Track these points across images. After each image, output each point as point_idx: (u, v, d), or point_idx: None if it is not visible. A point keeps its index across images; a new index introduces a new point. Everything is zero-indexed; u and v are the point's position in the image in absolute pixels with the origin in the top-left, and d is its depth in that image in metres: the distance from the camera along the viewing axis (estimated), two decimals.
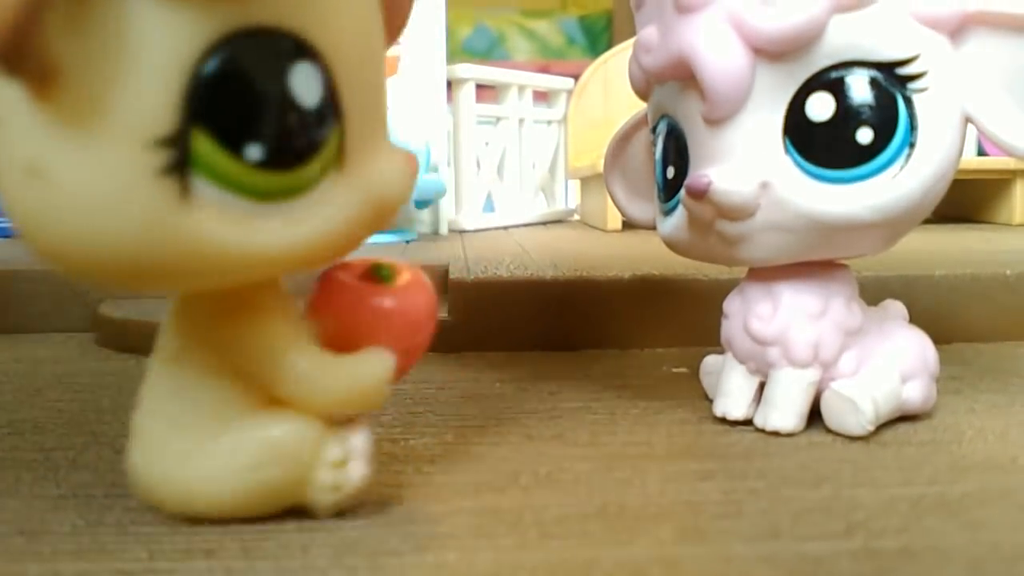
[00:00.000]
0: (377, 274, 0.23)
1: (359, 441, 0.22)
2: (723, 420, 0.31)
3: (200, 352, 0.21)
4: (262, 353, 0.21)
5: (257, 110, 0.18)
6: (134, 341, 0.44)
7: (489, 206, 0.84)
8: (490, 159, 0.81)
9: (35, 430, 0.31)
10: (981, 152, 0.97)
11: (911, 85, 0.27)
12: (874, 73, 0.27)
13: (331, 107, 0.19)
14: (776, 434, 0.29)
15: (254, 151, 0.18)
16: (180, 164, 0.17)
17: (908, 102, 0.27)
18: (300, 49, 0.18)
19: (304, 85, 0.18)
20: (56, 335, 0.48)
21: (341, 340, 0.22)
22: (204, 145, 0.17)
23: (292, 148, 0.19)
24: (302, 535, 0.21)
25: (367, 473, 0.22)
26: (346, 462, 0.22)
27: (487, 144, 0.82)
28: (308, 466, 0.22)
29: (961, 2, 0.27)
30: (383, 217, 0.21)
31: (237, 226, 0.18)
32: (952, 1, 0.27)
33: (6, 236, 0.75)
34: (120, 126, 0.17)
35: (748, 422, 0.30)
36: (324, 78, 0.19)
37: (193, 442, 0.21)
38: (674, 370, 0.39)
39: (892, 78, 0.27)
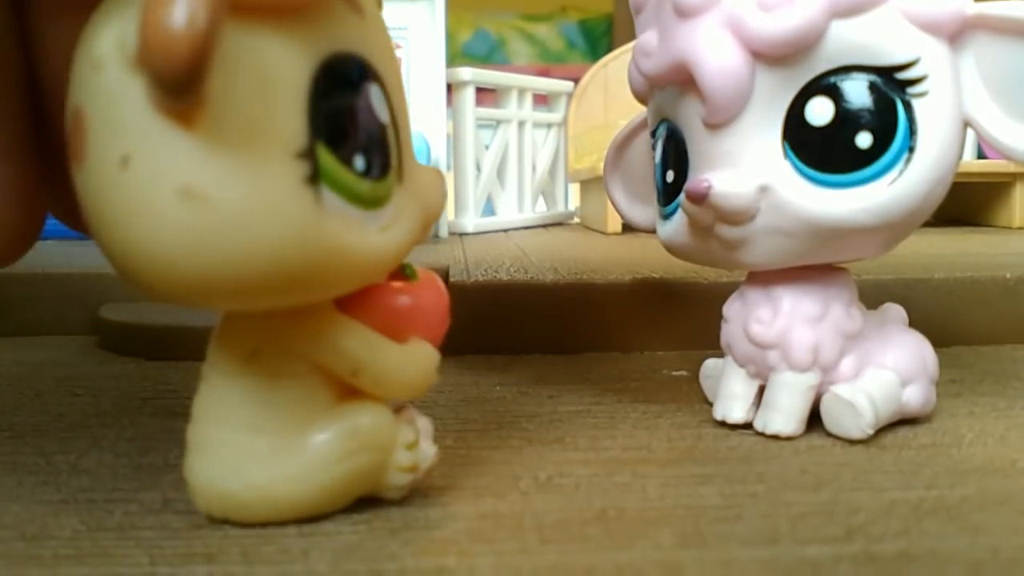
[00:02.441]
0: (404, 273, 0.24)
1: (424, 422, 0.24)
2: (723, 424, 0.31)
3: (272, 354, 0.22)
4: (339, 346, 0.22)
5: (356, 124, 0.20)
6: (136, 344, 0.44)
7: (489, 209, 0.84)
8: (490, 162, 0.81)
9: (36, 434, 0.31)
10: (981, 155, 0.97)
11: (910, 89, 0.27)
12: (873, 77, 0.27)
13: (394, 123, 0.21)
14: (776, 438, 0.29)
15: (359, 161, 0.20)
16: (314, 174, 0.19)
17: (907, 106, 0.27)
18: (371, 71, 0.21)
19: (378, 103, 0.21)
20: (57, 338, 0.48)
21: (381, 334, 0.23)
22: (326, 157, 0.19)
23: (381, 159, 0.21)
24: (302, 539, 0.22)
25: (437, 450, 0.24)
26: (418, 442, 0.23)
27: (487, 147, 0.82)
28: (389, 450, 0.23)
29: (960, 6, 0.27)
30: (428, 227, 0.23)
31: (356, 233, 0.20)
32: (951, 5, 0.27)
33: None
34: (268, 142, 0.18)
35: (748, 426, 0.30)
36: (386, 98, 0.21)
37: (277, 445, 0.22)
38: (674, 373, 0.39)
39: (891, 82, 0.27)
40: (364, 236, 0.20)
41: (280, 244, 0.18)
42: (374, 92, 0.21)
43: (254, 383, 0.22)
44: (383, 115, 0.21)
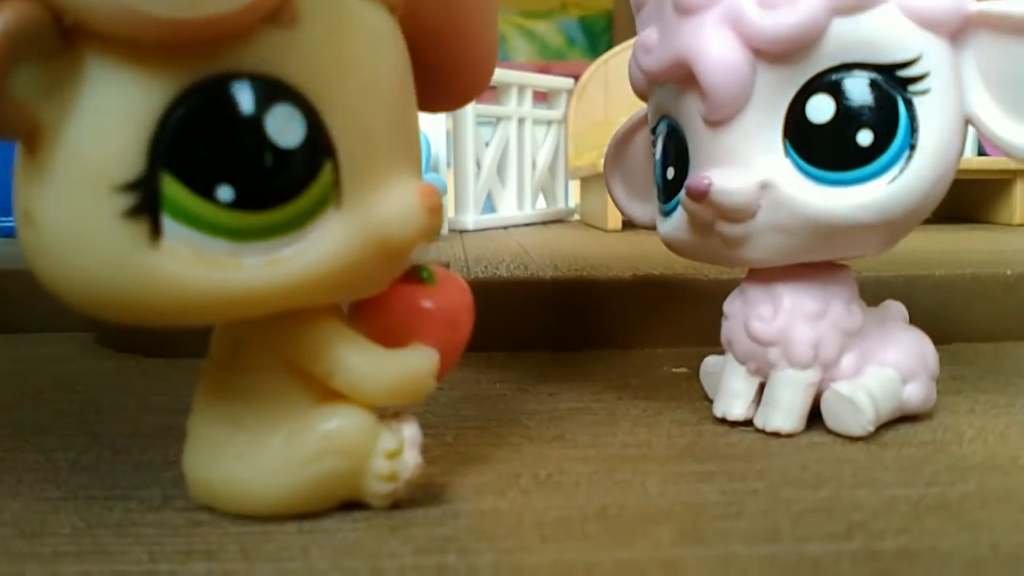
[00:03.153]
0: (417, 275, 0.24)
1: (410, 431, 0.23)
2: (723, 421, 0.31)
3: (256, 352, 0.22)
4: (317, 347, 0.22)
5: (225, 153, 0.18)
6: (134, 341, 0.44)
7: (489, 206, 0.84)
8: (490, 159, 0.81)
9: (36, 431, 0.31)
10: (981, 152, 0.97)
11: (911, 87, 0.27)
12: (874, 75, 0.27)
13: (319, 147, 0.20)
14: (776, 435, 0.29)
15: (225, 192, 0.18)
16: (148, 206, 0.18)
17: (908, 104, 0.27)
18: (278, 92, 0.19)
19: (282, 126, 0.19)
20: (56, 335, 0.48)
21: (385, 339, 0.23)
22: (172, 188, 0.18)
23: (269, 188, 0.19)
24: (302, 537, 0.22)
25: (420, 461, 0.23)
26: (400, 452, 0.23)
27: (487, 144, 0.82)
28: (365, 456, 0.22)
29: (962, 4, 0.27)
30: (391, 254, 0.21)
31: (213, 266, 0.19)
32: (953, 3, 0.27)
33: (7, 235, 0.75)
34: (86, 173, 0.18)
35: (748, 423, 0.30)
36: (307, 119, 0.19)
37: (252, 439, 0.22)
38: (674, 371, 0.39)
39: (892, 80, 0.27)
40: (230, 270, 0.19)
41: (96, 274, 0.18)
42: (276, 114, 0.19)
43: (238, 377, 0.22)
44: (287, 140, 0.19)
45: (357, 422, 0.22)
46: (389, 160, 0.21)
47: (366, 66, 0.21)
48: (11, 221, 0.75)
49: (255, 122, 0.18)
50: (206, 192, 0.18)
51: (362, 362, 0.22)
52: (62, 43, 0.17)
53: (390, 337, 0.23)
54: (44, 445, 0.29)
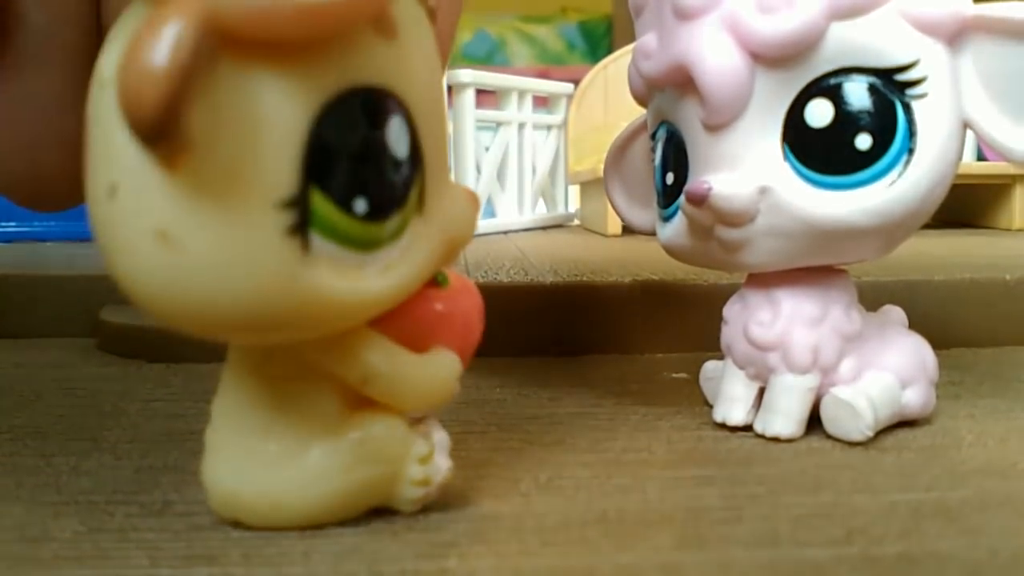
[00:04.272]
0: (434, 280, 0.24)
1: (440, 435, 0.23)
2: (723, 426, 0.31)
3: (286, 360, 0.22)
4: (350, 354, 0.21)
5: (362, 166, 0.19)
6: (136, 346, 0.44)
7: (489, 211, 0.84)
8: (490, 164, 0.82)
9: (36, 436, 0.31)
10: (981, 157, 0.97)
11: (910, 91, 0.27)
12: (872, 79, 0.27)
13: (417, 155, 0.20)
14: (776, 440, 0.29)
15: (360, 205, 0.19)
16: (302, 223, 0.18)
17: (907, 108, 0.27)
18: (392, 104, 0.19)
19: (397, 137, 0.19)
20: (57, 340, 0.48)
21: (406, 344, 0.23)
22: (320, 203, 0.18)
23: (389, 199, 0.19)
24: (303, 541, 0.22)
25: (451, 465, 0.23)
26: (432, 456, 0.23)
27: (487, 149, 0.82)
28: (400, 463, 0.22)
29: (959, 7, 0.27)
30: (453, 253, 0.22)
31: (347, 277, 0.19)
32: (950, 6, 0.27)
33: (7, 241, 0.75)
34: (249, 191, 0.17)
35: (748, 428, 0.30)
36: (410, 128, 0.20)
37: (284, 450, 0.22)
38: (674, 375, 0.39)
39: (891, 84, 0.27)
40: (358, 280, 0.19)
41: (254, 294, 0.18)
42: (393, 127, 0.19)
43: (266, 386, 0.22)
44: (400, 150, 0.19)
45: (391, 429, 0.22)
46: (446, 164, 0.22)
47: (433, 72, 0.21)
48: (11, 226, 0.76)
49: (382, 134, 0.19)
50: (348, 205, 0.18)
51: (395, 368, 0.22)
52: (213, 54, 0.16)
53: (409, 342, 0.23)
54: (44, 450, 0.29)
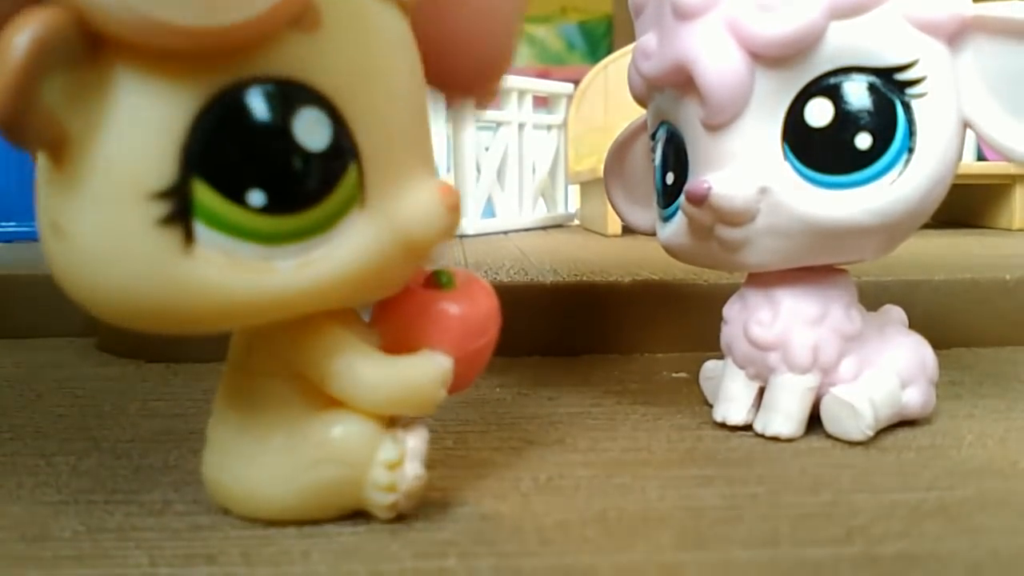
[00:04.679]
0: (437, 280, 0.24)
1: (414, 442, 0.23)
2: (723, 425, 0.31)
3: (263, 356, 0.22)
4: (315, 352, 0.21)
5: (256, 158, 0.18)
6: (134, 346, 0.44)
7: (489, 211, 0.84)
8: (490, 164, 0.82)
9: (36, 435, 0.31)
10: (981, 157, 0.97)
11: (909, 90, 0.27)
12: (872, 79, 0.27)
13: (344, 149, 0.20)
14: (776, 439, 0.29)
15: (256, 197, 0.18)
16: (181, 214, 0.18)
17: (907, 107, 0.27)
18: (304, 96, 0.19)
19: (310, 130, 0.19)
20: (56, 340, 0.49)
21: (405, 345, 0.23)
22: (204, 194, 0.18)
23: (299, 191, 0.19)
24: (303, 541, 0.22)
25: (421, 474, 0.22)
26: (400, 462, 0.22)
27: (487, 149, 0.82)
28: (363, 466, 0.22)
29: (959, 7, 0.27)
30: (414, 252, 0.21)
31: (246, 270, 0.19)
32: (949, 6, 0.27)
33: (6, 240, 0.75)
34: (118, 182, 0.18)
35: (748, 427, 0.30)
36: (333, 121, 0.19)
37: (257, 444, 0.22)
38: (674, 375, 0.39)
39: (890, 83, 0.27)
40: (263, 274, 0.19)
41: (131, 283, 0.18)
42: (304, 119, 0.19)
43: (246, 381, 0.22)
44: (314, 143, 0.19)
45: (356, 430, 0.22)
46: (408, 160, 0.21)
47: (385, 68, 0.21)
48: (10, 226, 0.76)
49: (283, 126, 0.19)
50: (238, 197, 0.18)
51: (358, 369, 0.21)
52: (89, 52, 0.17)
53: (407, 343, 0.23)
54: (44, 449, 0.29)
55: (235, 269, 0.19)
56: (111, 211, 0.18)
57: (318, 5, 0.19)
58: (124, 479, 0.26)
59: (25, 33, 0.16)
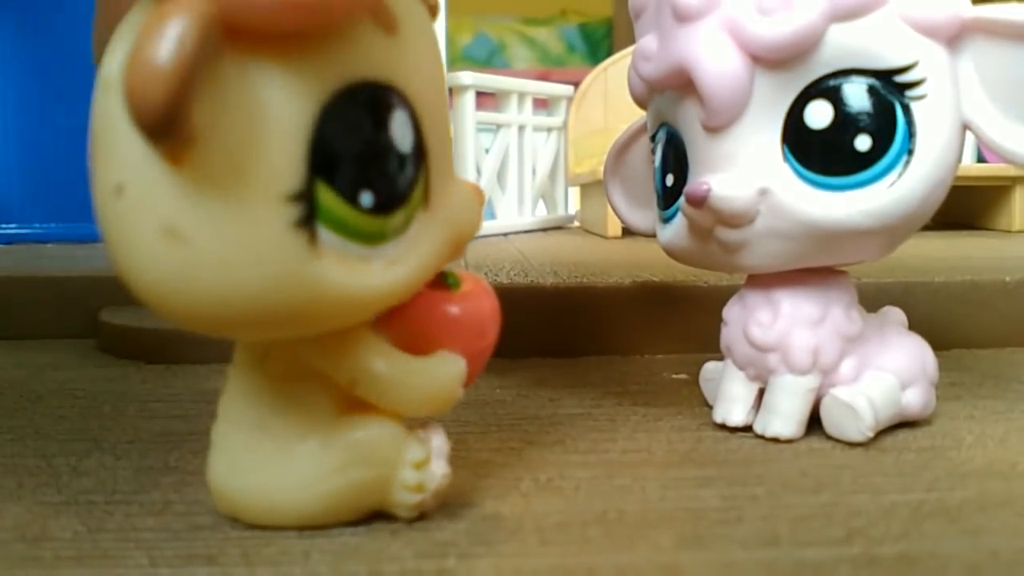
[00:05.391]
0: (444, 281, 0.24)
1: (438, 441, 0.23)
2: (723, 426, 0.31)
3: (283, 359, 0.22)
4: (342, 355, 0.21)
5: (367, 160, 0.19)
6: (135, 347, 0.44)
7: (489, 213, 0.84)
8: (490, 166, 0.82)
9: (36, 436, 0.31)
10: (980, 159, 0.97)
11: (909, 92, 0.27)
12: (872, 81, 0.27)
13: (421, 150, 0.20)
14: (776, 440, 0.29)
15: (367, 198, 0.19)
16: (309, 216, 0.18)
17: (906, 109, 0.27)
18: (397, 98, 0.19)
19: (401, 132, 0.20)
20: (57, 341, 0.49)
21: (411, 346, 0.23)
22: (326, 196, 0.18)
23: (395, 192, 0.20)
24: (303, 541, 0.22)
25: (448, 472, 0.23)
26: (428, 462, 0.22)
27: (487, 151, 0.82)
28: (393, 467, 0.22)
29: (958, 9, 0.27)
30: (459, 248, 0.22)
31: (354, 270, 0.19)
32: (949, 9, 0.27)
33: (7, 243, 0.75)
34: (255, 185, 0.17)
35: (748, 428, 0.30)
36: (414, 123, 0.20)
37: (276, 448, 0.22)
38: (674, 376, 0.40)
39: (890, 86, 0.27)
40: (364, 274, 0.19)
41: (262, 288, 0.18)
42: (397, 121, 0.19)
43: (264, 385, 0.22)
44: (404, 144, 0.20)
45: (384, 432, 0.22)
46: (450, 159, 0.22)
47: (435, 68, 0.21)
48: (11, 228, 0.76)
49: (386, 128, 0.19)
50: (353, 199, 0.19)
51: (387, 371, 0.22)
52: (219, 47, 0.16)
53: (417, 345, 0.23)
54: (45, 450, 0.29)
55: (348, 269, 0.19)
56: (248, 213, 0.17)
57: (393, 8, 0.19)
58: (124, 480, 0.26)
59: (178, 25, 0.15)
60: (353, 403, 0.22)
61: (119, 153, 0.17)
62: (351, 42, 0.18)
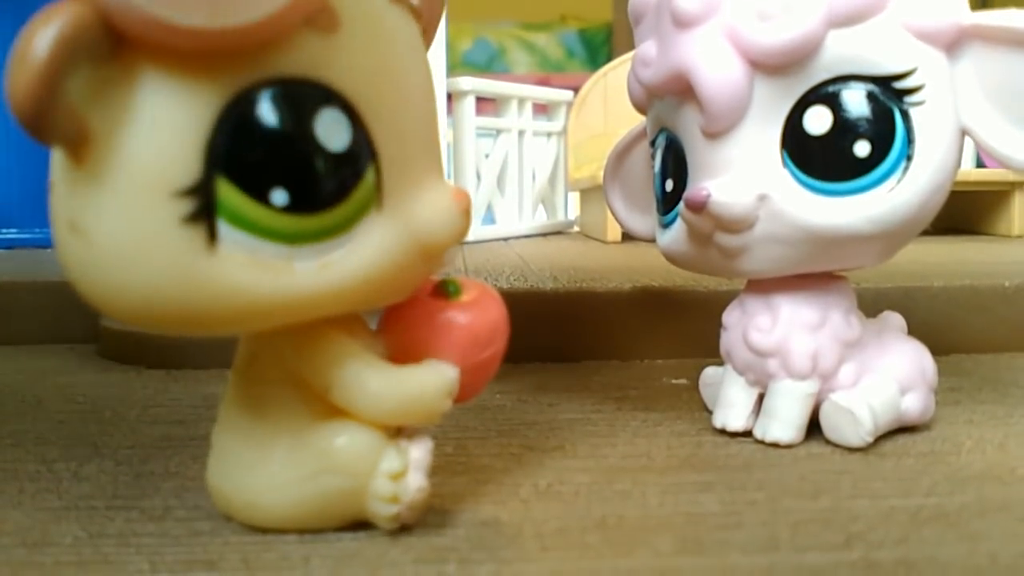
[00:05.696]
0: (444, 290, 0.24)
1: (418, 452, 0.22)
2: (722, 431, 0.31)
3: (267, 363, 0.22)
4: (323, 363, 0.21)
5: (278, 157, 0.19)
6: (136, 352, 0.44)
7: (489, 218, 0.84)
8: (490, 171, 0.82)
9: (37, 441, 0.31)
10: (980, 164, 0.97)
11: (908, 98, 0.27)
12: (871, 87, 0.27)
13: (363, 150, 0.20)
14: (775, 445, 0.29)
15: (279, 196, 0.18)
16: (205, 212, 0.18)
17: (905, 115, 0.27)
18: (324, 97, 0.19)
19: (330, 130, 0.19)
20: (58, 346, 0.49)
21: (411, 355, 0.22)
22: (228, 192, 0.18)
23: (320, 191, 0.19)
24: (303, 546, 0.22)
25: (424, 485, 0.22)
26: (404, 473, 0.22)
27: (487, 156, 0.82)
28: (366, 476, 0.22)
29: (957, 16, 0.27)
30: (431, 255, 0.21)
31: (268, 270, 0.19)
32: (948, 15, 0.27)
33: (7, 247, 0.75)
34: (143, 180, 0.17)
35: (747, 433, 0.31)
36: (352, 123, 0.19)
37: (260, 452, 0.22)
38: (673, 381, 0.40)
39: (889, 92, 0.27)
40: (284, 274, 0.19)
41: (155, 282, 0.18)
42: (323, 119, 0.19)
43: (250, 389, 0.22)
44: (335, 143, 0.19)
45: (358, 440, 0.22)
46: (422, 163, 0.22)
47: (401, 71, 0.21)
48: (11, 233, 0.76)
49: (306, 126, 0.19)
50: (261, 196, 0.18)
51: (360, 378, 0.21)
52: (112, 50, 0.17)
53: (414, 353, 0.22)
54: (46, 455, 0.29)
55: (258, 269, 0.19)
56: (134, 209, 0.17)
57: (335, 7, 0.19)
58: (125, 485, 0.26)
59: (50, 28, 0.16)
60: (334, 409, 0.22)
61: (55, 154, 0.18)
62: (274, 42, 0.18)
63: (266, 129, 0.18)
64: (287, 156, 0.19)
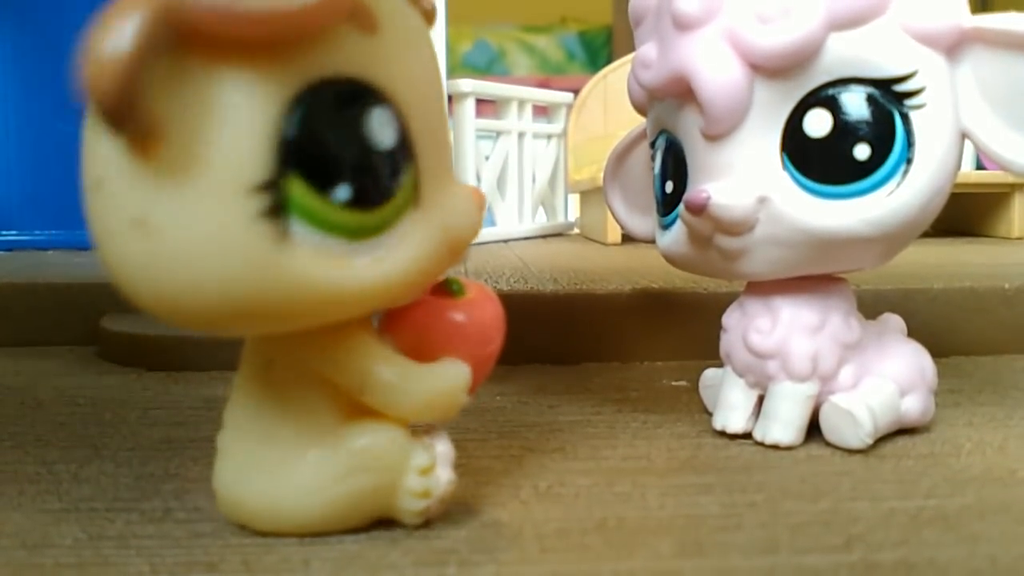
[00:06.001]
0: (448, 288, 0.24)
1: (443, 447, 0.23)
2: (722, 433, 0.31)
3: (286, 366, 0.22)
4: (348, 361, 0.21)
5: (343, 154, 0.19)
6: (136, 354, 0.44)
7: (489, 220, 0.84)
8: (490, 173, 0.82)
9: (37, 443, 0.31)
10: (979, 166, 0.97)
11: (908, 101, 0.27)
12: (871, 90, 0.27)
13: (405, 148, 0.20)
14: (775, 447, 0.29)
15: (342, 192, 0.19)
16: (277, 208, 0.18)
17: (905, 118, 0.27)
18: (373, 95, 0.20)
19: (380, 129, 0.20)
20: (58, 348, 0.49)
21: (415, 353, 0.23)
22: (297, 189, 0.18)
23: (375, 188, 0.20)
24: (303, 548, 0.22)
25: (453, 478, 0.23)
26: (433, 468, 0.22)
27: (487, 158, 0.82)
28: (398, 473, 0.22)
29: (957, 19, 0.27)
30: (456, 251, 0.22)
31: (332, 265, 0.19)
32: (948, 18, 0.27)
33: (7, 249, 0.75)
34: (218, 176, 0.18)
35: (747, 435, 0.31)
36: (397, 121, 0.20)
37: (284, 456, 0.22)
38: (674, 383, 0.40)
39: (889, 94, 0.27)
40: (346, 269, 0.19)
41: (230, 278, 0.18)
42: (374, 117, 0.20)
43: (269, 393, 0.22)
44: (385, 140, 0.20)
45: (389, 438, 0.22)
46: (446, 162, 0.22)
47: (428, 71, 0.22)
48: (11, 235, 0.76)
49: (362, 124, 0.19)
50: (328, 192, 0.19)
51: (393, 377, 0.22)
52: (183, 43, 0.17)
53: (421, 351, 0.23)
54: (46, 457, 0.29)
55: (323, 264, 0.19)
56: (212, 205, 0.17)
57: (373, 8, 0.19)
58: (125, 487, 0.26)
59: (131, 19, 0.16)
60: (357, 409, 0.22)
61: (99, 150, 0.18)
62: (322, 41, 0.18)
63: (330, 126, 0.19)
64: (350, 153, 0.19)
